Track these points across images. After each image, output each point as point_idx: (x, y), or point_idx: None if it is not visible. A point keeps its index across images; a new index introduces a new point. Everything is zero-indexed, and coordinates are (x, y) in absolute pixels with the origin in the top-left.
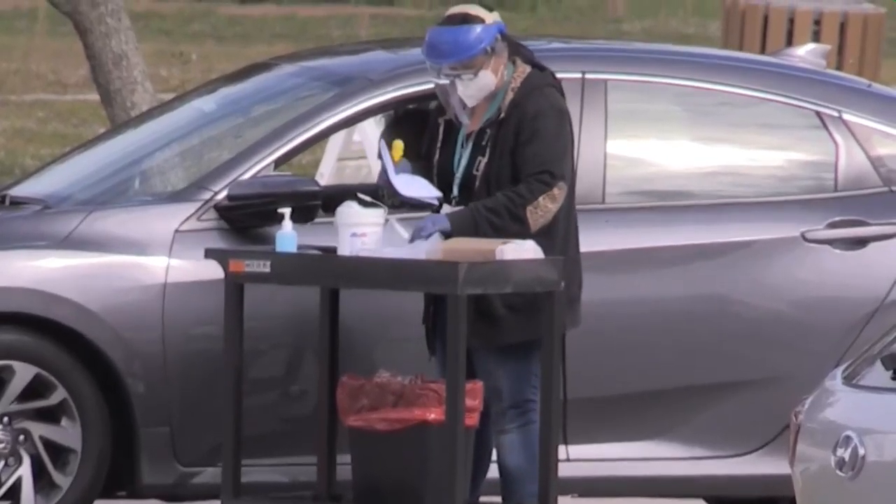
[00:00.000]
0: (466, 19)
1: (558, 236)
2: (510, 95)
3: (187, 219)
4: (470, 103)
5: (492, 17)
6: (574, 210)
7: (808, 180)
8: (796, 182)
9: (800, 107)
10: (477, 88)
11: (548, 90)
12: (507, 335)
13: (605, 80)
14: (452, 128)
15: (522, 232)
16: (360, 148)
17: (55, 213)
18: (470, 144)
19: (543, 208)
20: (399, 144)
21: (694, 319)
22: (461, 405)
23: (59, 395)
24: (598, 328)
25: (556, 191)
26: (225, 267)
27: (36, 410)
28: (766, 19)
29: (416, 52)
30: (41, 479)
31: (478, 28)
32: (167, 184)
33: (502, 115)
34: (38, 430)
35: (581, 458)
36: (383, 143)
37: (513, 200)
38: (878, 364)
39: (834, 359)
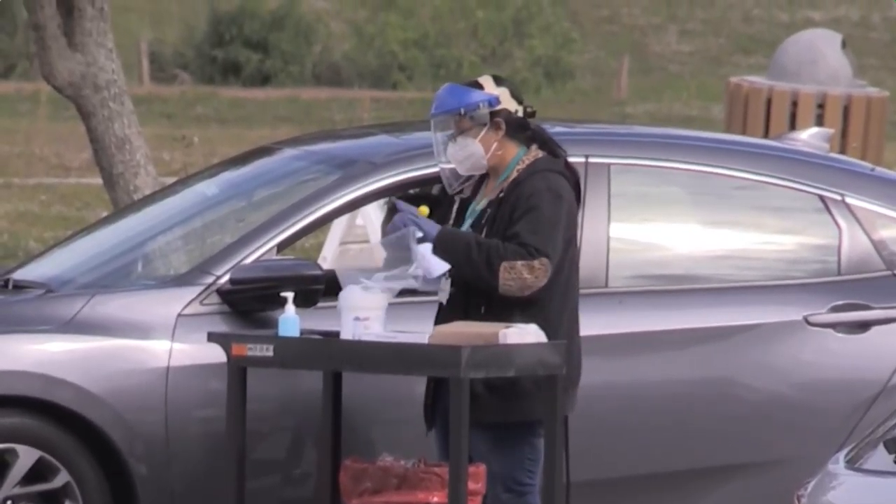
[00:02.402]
0: (468, 83)
1: (550, 317)
2: (514, 175)
3: (190, 303)
4: (459, 169)
5: (491, 89)
6: (573, 295)
7: (812, 264)
8: (799, 266)
9: (803, 191)
10: (462, 155)
11: (551, 175)
12: (483, 414)
13: (609, 164)
14: (464, 206)
15: (490, 284)
16: (363, 231)
17: (58, 296)
18: (469, 222)
19: (517, 274)
20: (424, 209)
21: (697, 402)
22: (464, 489)
23: (63, 478)
24: (602, 411)
25: (536, 263)
26: (228, 351)
27: (39, 494)
28: (769, 102)
29: (418, 136)
30: None
31: (467, 91)
32: (170, 267)
33: (502, 194)
34: None
35: None
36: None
37: (497, 250)
38: (881, 448)
39: (837, 442)
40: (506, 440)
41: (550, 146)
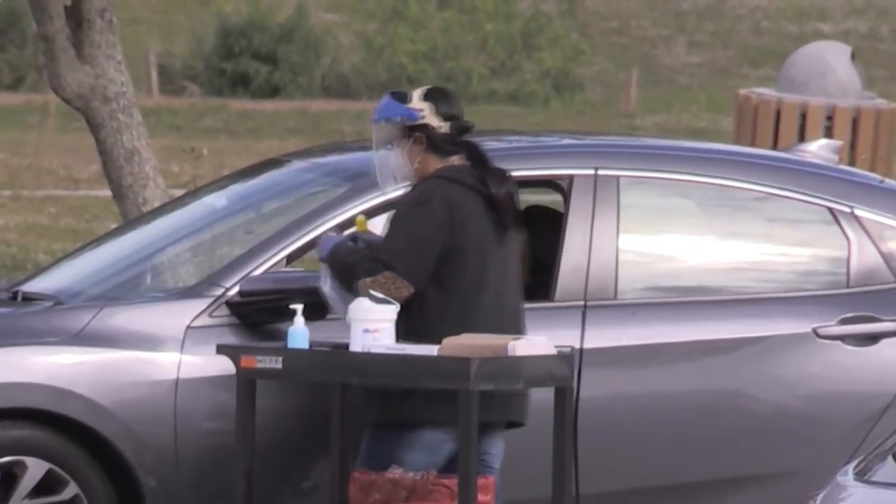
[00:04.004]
0: (401, 95)
1: (434, 327)
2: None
3: (199, 314)
4: (378, 177)
5: (415, 104)
6: (482, 302)
7: (821, 276)
8: (808, 278)
9: (812, 203)
10: (381, 164)
11: (434, 181)
12: (376, 414)
13: (618, 177)
14: None
15: (355, 292)
16: None
17: (67, 308)
18: None
19: (376, 287)
20: (362, 218)
21: (705, 414)
22: (473, 500)
23: (72, 490)
24: (611, 423)
25: (381, 278)
26: (237, 363)
27: None
28: (778, 114)
29: None
30: None
31: (392, 104)
32: (178, 279)
33: None
34: None
35: None
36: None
37: (354, 267)
38: (890, 459)
39: (846, 454)
40: (378, 438)
41: (477, 159)
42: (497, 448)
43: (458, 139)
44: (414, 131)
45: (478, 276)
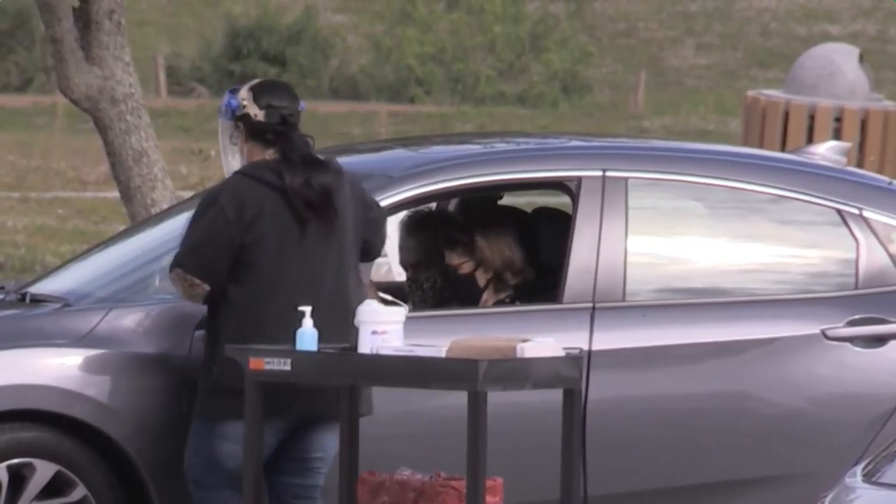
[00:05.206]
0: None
1: (234, 323)
2: None
3: None
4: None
5: (241, 93)
6: (276, 300)
7: (829, 278)
8: (817, 279)
9: (820, 204)
10: (223, 154)
11: (231, 177)
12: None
13: (626, 178)
14: None
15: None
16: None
17: (75, 310)
18: None
19: (172, 281)
20: None
21: (713, 416)
22: (482, 502)
23: (80, 492)
24: (619, 425)
25: (172, 275)
26: (245, 365)
27: None
28: (786, 116)
29: (436, 150)
30: None
31: (226, 95)
32: None
33: None
34: None
35: None
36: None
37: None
38: None
39: (854, 456)
40: (195, 431)
41: (284, 150)
42: (326, 449)
43: (277, 129)
44: (238, 122)
45: (272, 274)
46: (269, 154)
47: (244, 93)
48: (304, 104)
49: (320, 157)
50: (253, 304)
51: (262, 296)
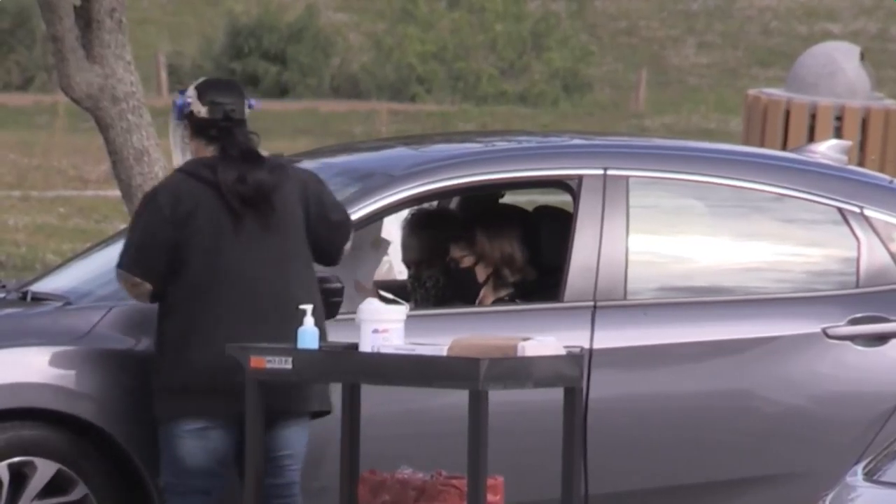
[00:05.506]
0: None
1: (172, 320)
2: None
3: None
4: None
5: (188, 91)
6: (206, 297)
7: (830, 276)
8: (818, 278)
9: (821, 203)
10: (174, 153)
11: (170, 175)
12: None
13: (627, 177)
14: None
15: None
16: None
17: (76, 309)
18: None
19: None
20: None
21: (715, 415)
22: (483, 501)
23: (81, 491)
24: (620, 423)
25: (116, 275)
26: (246, 363)
27: None
28: (787, 115)
29: (437, 149)
30: None
31: (178, 94)
32: None
33: None
34: None
35: None
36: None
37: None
38: None
39: (855, 455)
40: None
41: (224, 146)
42: (293, 447)
43: (220, 125)
44: (185, 119)
45: (205, 271)
46: (211, 151)
47: (190, 91)
48: (255, 102)
49: (262, 153)
50: (188, 301)
51: (196, 293)
